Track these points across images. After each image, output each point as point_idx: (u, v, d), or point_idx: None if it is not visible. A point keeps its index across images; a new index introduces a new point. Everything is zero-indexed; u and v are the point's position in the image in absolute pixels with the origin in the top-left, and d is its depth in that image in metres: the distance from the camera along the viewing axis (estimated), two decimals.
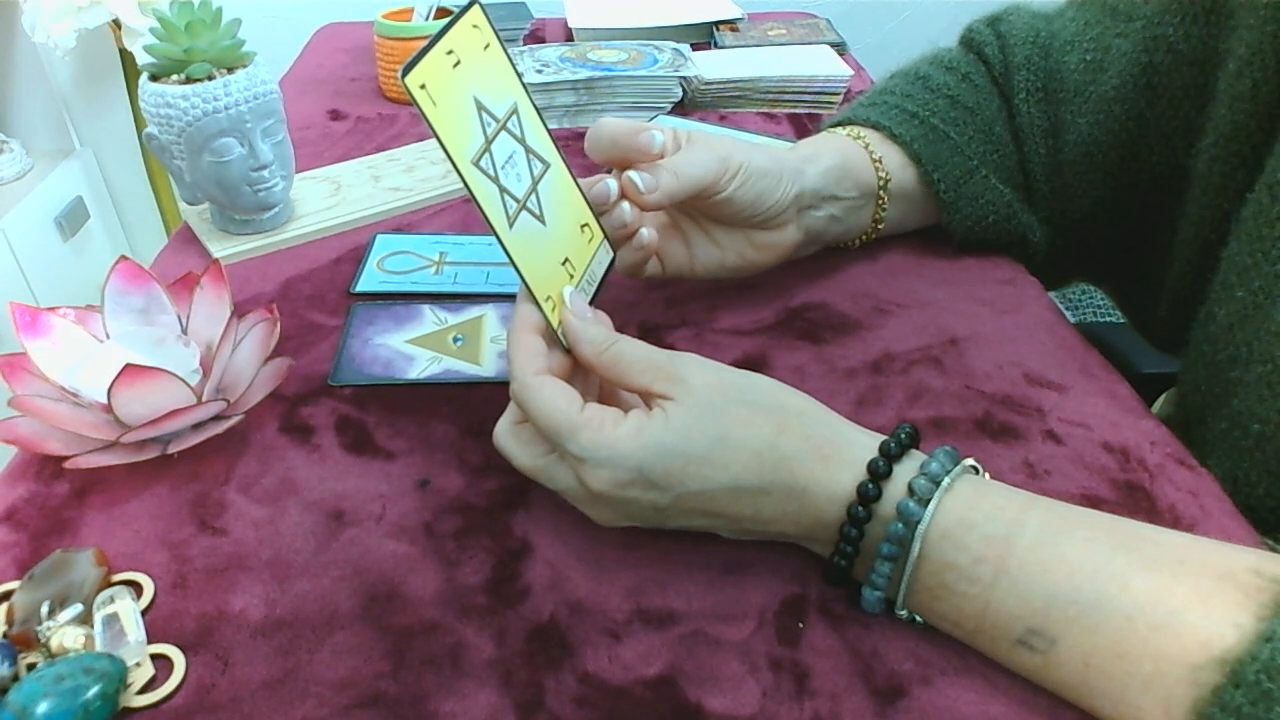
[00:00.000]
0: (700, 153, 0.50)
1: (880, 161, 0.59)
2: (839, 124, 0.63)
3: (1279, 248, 0.44)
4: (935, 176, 0.59)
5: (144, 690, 0.35)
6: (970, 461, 0.38)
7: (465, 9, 0.39)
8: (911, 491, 0.36)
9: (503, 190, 0.39)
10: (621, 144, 0.48)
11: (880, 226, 0.61)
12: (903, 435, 0.37)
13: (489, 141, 0.39)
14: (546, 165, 0.42)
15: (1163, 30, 0.54)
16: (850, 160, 0.58)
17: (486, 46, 0.40)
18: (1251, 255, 0.46)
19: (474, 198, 0.38)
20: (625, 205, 0.47)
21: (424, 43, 0.36)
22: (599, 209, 0.47)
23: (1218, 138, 0.51)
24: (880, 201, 0.59)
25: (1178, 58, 0.54)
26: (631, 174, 0.47)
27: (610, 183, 0.47)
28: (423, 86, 0.35)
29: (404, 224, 0.68)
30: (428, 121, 0.36)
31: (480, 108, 0.39)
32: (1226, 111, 0.50)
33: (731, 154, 0.50)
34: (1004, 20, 0.63)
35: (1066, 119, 0.59)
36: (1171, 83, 0.54)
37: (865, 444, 0.38)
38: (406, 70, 0.35)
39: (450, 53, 0.37)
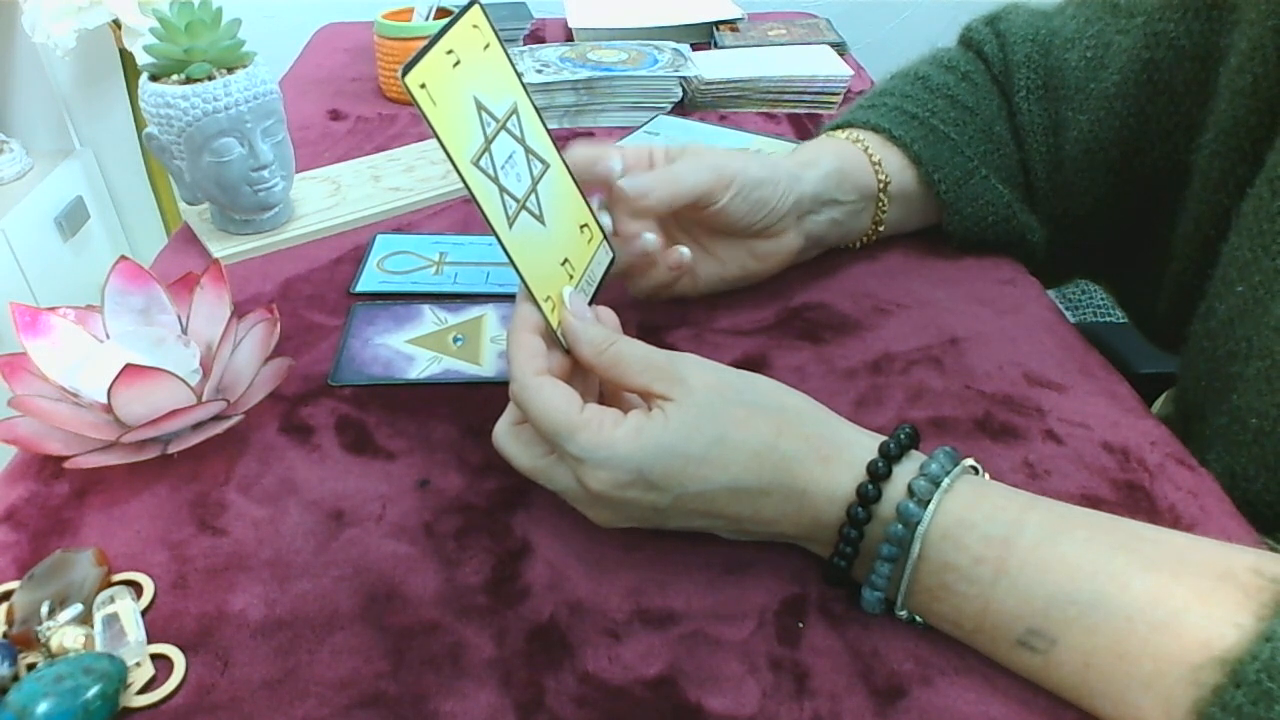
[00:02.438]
0: (692, 162, 0.50)
1: (880, 164, 0.59)
2: (838, 127, 0.63)
3: (1279, 242, 0.44)
4: (936, 178, 0.59)
5: (144, 690, 0.35)
6: (970, 462, 0.38)
7: (465, 9, 0.39)
8: (911, 492, 0.36)
9: (502, 190, 0.39)
10: (583, 174, 0.47)
11: (881, 229, 0.61)
12: (902, 436, 0.37)
13: (489, 141, 0.39)
14: (546, 165, 0.42)
15: (1164, 26, 0.54)
16: (849, 164, 0.58)
17: (486, 46, 0.40)
18: (1251, 250, 0.46)
19: (474, 198, 0.38)
20: (647, 235, 0.48)
21: (424, 42, 0.36)
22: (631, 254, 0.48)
23: (1218, 133, 0.51)
24: (880, 204, 0.59)
25: (1179, 53, 0.54)
26: (622, 182, 0.47)
27: (605, 218, 0.48)
28: (423, 86, 0.35)
29: (404, 224, 0.68)
30: (427, 121, 0.36)
31: (480, 107, 0.39)
32: (1227, 107, 0.50)
33: (725, 164, 0.51)
34: (1003, 19, 0.63)
35: (1068, 116, 0.59)
36: (1173, 79, 0.54)
37: (865, 445, 0.38)
38: (406, 70, 0.35)
39: (450, 52, 0.37)
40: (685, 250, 0.50)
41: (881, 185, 0.59)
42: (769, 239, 0.55)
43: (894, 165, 0.59)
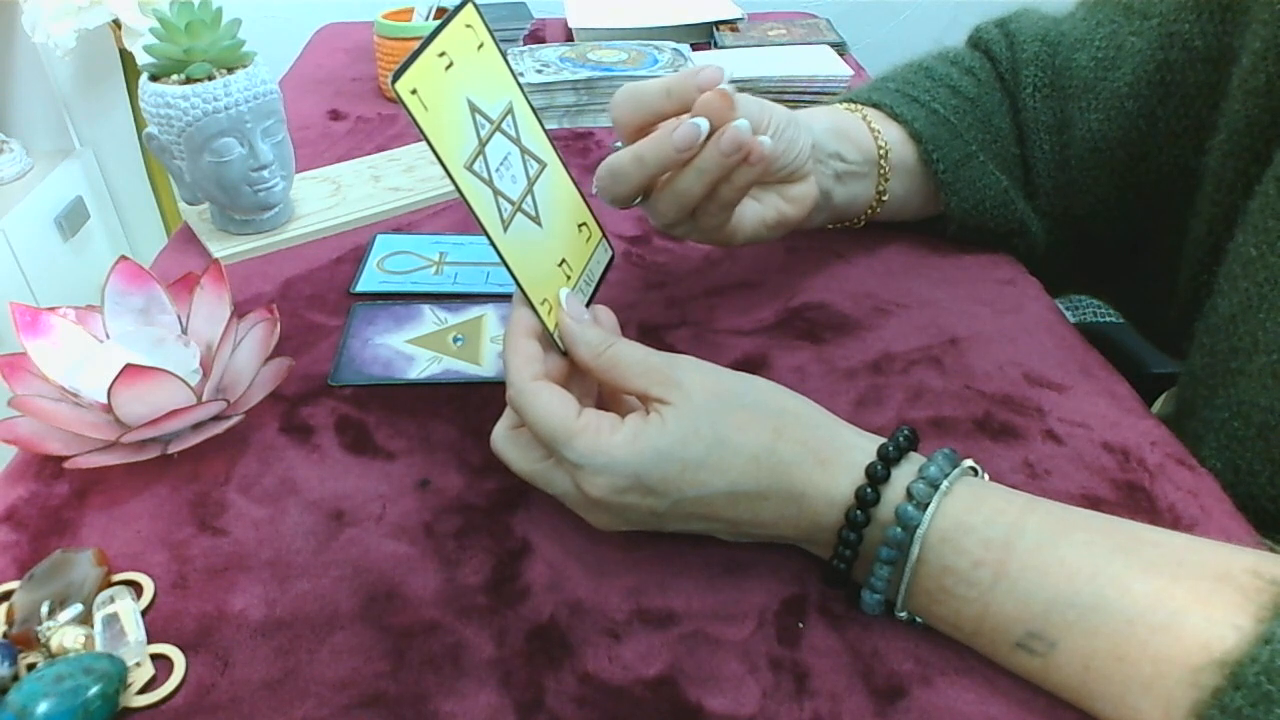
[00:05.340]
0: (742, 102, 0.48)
1: (879, 133, 0.59)
2: (839, 103, 0.63)
3: None
4: (935, 156, 0.59)
5: (144, 690, 0.35)
6: (969, 463, 0.38)
7: (459, 8, 0.38)
8: (910, 496, 0.35)
9: (497, 193, 0.39)
10: (695, 84, 0.45)
11: (884, 199, 0.60)
12: (901, 438, 0.37)
13: (483, 144, 0.38)
14: (543, 165, 0.42)
15: (1178, 27, 0.54)
16: (845, 123, 0.58)
17: (480, 46, 0.39)
18: (1257, 247, 0.46)
19: (467, 202, 0.37)
20: (741, 122, 0.45)
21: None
22: (684, 154, 0.45)
23: (1230, 133, 0.51)
24: (882, 171, 0.59)
25: (1192, 54, 0.54)
26: (737, 123, 0.45)
27: (700, 122, 0.45)
28: (414, 91, 0.35)
29: (404, 224, 0.68)
30: (419, 127, 0.35)
31: (474, 110, 0.38)
32: (1240, 107, 0.50)
33: (759, 103, 0.50)
34: (1013, 20, 0.64)
35: (1075, 115, 0.59)
36: (1185, 80, 0.55)
37: (863, 447, 0.38)
38: (397, 75, 0.34)
39: (443, 54, 0.37)
40: (766, 139, 0.47)
41: (882, 152, 0.59)
42: (796, 182, 0.54)
43: (894, 138, 0.59)
